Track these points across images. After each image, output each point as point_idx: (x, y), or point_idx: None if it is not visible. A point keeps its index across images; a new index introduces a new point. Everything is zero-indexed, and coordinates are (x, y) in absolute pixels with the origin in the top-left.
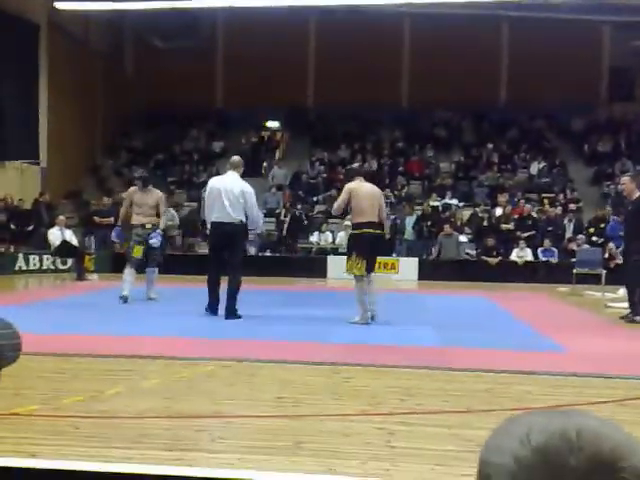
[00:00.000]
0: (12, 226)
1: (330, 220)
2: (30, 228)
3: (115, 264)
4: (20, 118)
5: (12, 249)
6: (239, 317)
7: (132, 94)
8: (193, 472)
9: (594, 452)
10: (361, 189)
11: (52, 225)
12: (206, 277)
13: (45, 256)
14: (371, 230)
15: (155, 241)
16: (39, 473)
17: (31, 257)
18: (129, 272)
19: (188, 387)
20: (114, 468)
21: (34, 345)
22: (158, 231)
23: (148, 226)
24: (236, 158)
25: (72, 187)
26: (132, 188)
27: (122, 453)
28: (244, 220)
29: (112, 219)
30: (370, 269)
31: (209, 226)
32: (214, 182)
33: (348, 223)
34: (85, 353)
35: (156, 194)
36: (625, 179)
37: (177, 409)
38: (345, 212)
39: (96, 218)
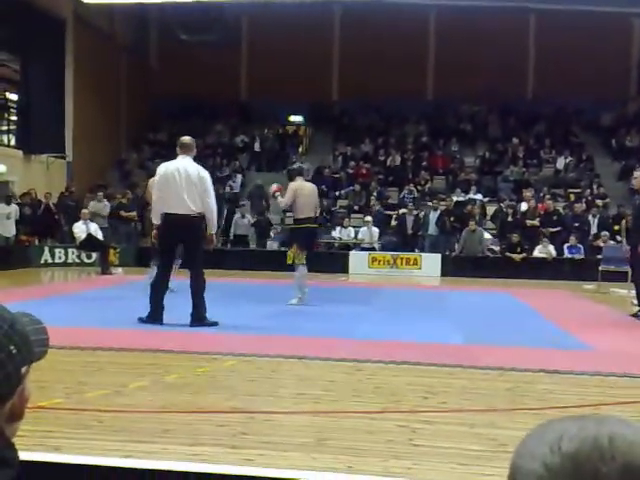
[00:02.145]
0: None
1: (353, 215)
2: (56, 222)
3: (139, 258)
4: (46, 112)
5: (38, 242)
6: (212, 324)
7: (157, 87)
8: (214, 469)
9: (627, 461)
10: (303, 188)
11: (77, 219)
12: (158, 280)
13: (70, 249)
14: (310, 225)
15: None
16: (63, 467)
17: (57, 250)
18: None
19: (210, 382)
20: (137, 464)
21: (59, 338)
22: None
23: None
24: (187, 139)
25: (97, 181)
26: (153, 179)
27: (146, 447)
28: (202, 211)
29: (135, 213)
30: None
31: (157, 220)
32: (166, 167)
33: (369, 219)
34: (109, 347)
35: None
36: (638, 173)
37: (199, 404)
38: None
39: (122, 212)
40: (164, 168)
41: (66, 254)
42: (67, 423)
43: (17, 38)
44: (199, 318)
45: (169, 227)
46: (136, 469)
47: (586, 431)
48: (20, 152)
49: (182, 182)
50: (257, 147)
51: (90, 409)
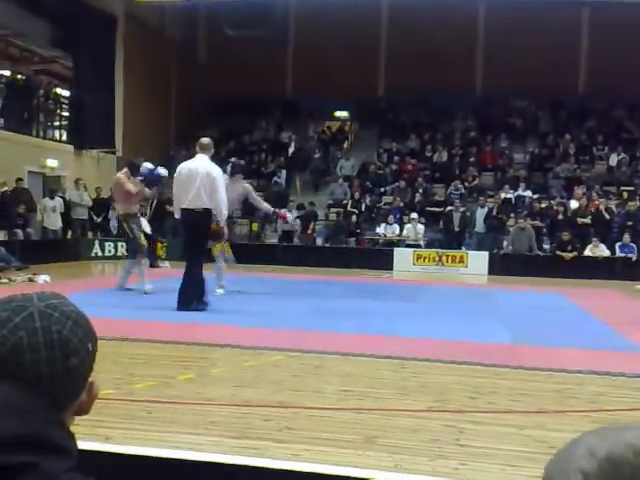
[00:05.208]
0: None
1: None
2: (107, 216)
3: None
4: (97, 107)
5: (89, 236)
6: (200, 309)
7: (205, 83)
8: (261, 462)
9: None
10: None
11: None
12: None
13: (120, 243)
14: None
15: None
16: (112, 457)
17: (106, 244)
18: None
19: (256, 376)
20: (186, 455)
21: (109, 330)
22: None
23: None
24: (205, 140)
25: None
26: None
27: (193, 439)
28: (210, 207)
29: None
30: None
31: (178, 215)
32: (183, 166)
33: (415, 216)
34: (157, 339)
35: None
36: None
37: (245, 397)
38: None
39: (168, 207)
40: (180, 167)
41: (115, 247)
42: (117, 413)
43: (69, 35)
44: (185, 302)
45: (183, 221)
46: (185, 460)
47: (611, 438)
48: (71, 147)
49: (193, 179)
50: (292, 150)
51: (139, 400)
